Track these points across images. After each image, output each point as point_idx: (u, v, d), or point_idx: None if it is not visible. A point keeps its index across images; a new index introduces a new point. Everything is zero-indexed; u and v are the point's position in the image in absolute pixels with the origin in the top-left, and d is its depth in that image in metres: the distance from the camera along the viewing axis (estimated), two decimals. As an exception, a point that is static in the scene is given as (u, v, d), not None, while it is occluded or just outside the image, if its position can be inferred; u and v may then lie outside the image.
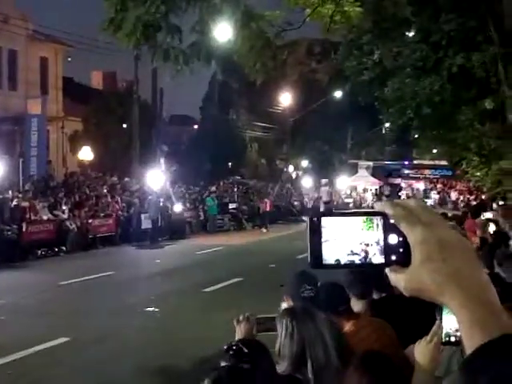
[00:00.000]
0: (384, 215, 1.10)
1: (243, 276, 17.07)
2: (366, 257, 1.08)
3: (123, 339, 10.83)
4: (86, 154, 34.60)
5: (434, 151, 48.33)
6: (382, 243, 1.09)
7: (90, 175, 33.14)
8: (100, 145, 35.13)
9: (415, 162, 57.77)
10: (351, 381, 2.96)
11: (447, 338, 2.78)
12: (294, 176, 53.45)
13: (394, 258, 1.09)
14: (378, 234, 1.10)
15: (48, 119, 32.37)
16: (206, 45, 14.86)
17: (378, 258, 1.10)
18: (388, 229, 1.09)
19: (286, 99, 50.07)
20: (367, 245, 1.09)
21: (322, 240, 1.08)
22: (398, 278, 1.09)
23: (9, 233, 21.12)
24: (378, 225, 1.10)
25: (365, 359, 3.06)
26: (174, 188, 33.19)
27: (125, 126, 36.75)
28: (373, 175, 54.98)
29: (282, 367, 3.25)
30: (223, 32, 16.39)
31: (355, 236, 1.08)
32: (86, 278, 17.32)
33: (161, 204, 28.78)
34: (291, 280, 4.26)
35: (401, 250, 1.08)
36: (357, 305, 4.54)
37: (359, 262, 1.09)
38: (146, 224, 27.10)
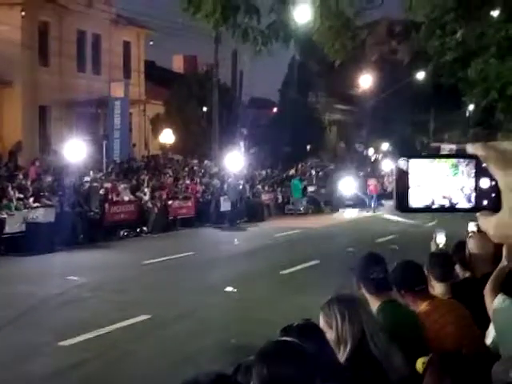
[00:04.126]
0: (476, 158, 1.06)
1: (320, 259, 17.03)
2: (451, 203, 1.06)
3: (202, 318, 11.04)
4: (168, 136, 35.14)
5: (522, 133, 46.77)
6: (467, 191, 1.07)
7: (171, 158, 33.70)
8: (181, 128, 35.58)
9: (501, 145, 56.06)
10: (430, 381, 2.95)
11: None
12: (373, 159, 52.80)
13: (485, 202, 1.06)
14: (464, 180, 1.07)
15: (130, 102, 33.02)
16: (284, 25, 14.78)
17: (462, 205, 1.07)
18: (480, 172, 1.06)
19: (365, 81, 49.41)
20: (452, 192, 1.07)
21: (409, 184, 1.06)
22: (487, 224, 1.05)
23: (92, 213, 21.75)
24: (463, 171, 1.07)
25: (443, 361, 3.03)
26: (255, 171, 33.44)
27: (205, 109, 37.10)
28: (456, 158, 53.65)
29: (344, 353, 3.30)
30: (302, 13, 16.23)
31: (441, 182, 1.05)
32: (167, 258, 17.69)
33: (240, 187, 29.02)
34: (359, 262, 4.23)
35: (493, 194, 1.05)
36: (437, 287, 4.54)
37: (445, 206, 1.07)
38: (224, 206, 27.39)
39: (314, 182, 37.35)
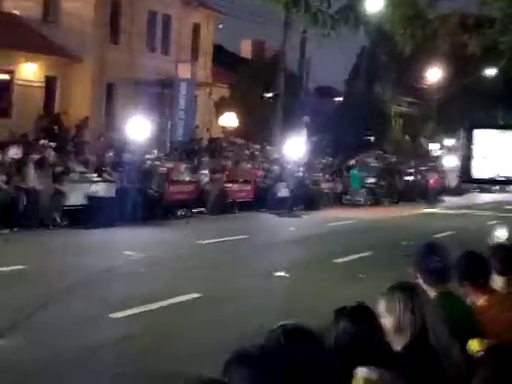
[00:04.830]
0: None
1: (374, 250, 16.90)
2: None
3: (252, 300, 11.10)
4: (231, 120, 35.29)
5: None
6: None
7: (233, 141, 33.86)
8: (244, 112, 35.67)
9: None
10: (480, 372, 2.89)
11: None
12: (436, 154, 51.91)
13: None
14: None
15: (196, 84, 33.25)
16: (354, 10, 14.60)
17: None
18: None
19: (434, 74, 48.56)
20: None
21: (473, 155, 1.03)
22: None
23: (151, 191, 22.05)
24: None
25: (497, 353, 2.97)
26: (315, 159, 33.35)
27: (270, 94, 37.07)
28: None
29: (401, 342, 3.28)
30: (374, 2, 16.12)
31: (508, 154, 1.01)
32: (223, 239, 17.86)
33: (299, 174, 28.99)
34: (419, 251, 4.16)
35: None
36: (497, 280, 4.43)
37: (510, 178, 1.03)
38: (282, 192, 27.43)
39: (375, 173, 36.99)
